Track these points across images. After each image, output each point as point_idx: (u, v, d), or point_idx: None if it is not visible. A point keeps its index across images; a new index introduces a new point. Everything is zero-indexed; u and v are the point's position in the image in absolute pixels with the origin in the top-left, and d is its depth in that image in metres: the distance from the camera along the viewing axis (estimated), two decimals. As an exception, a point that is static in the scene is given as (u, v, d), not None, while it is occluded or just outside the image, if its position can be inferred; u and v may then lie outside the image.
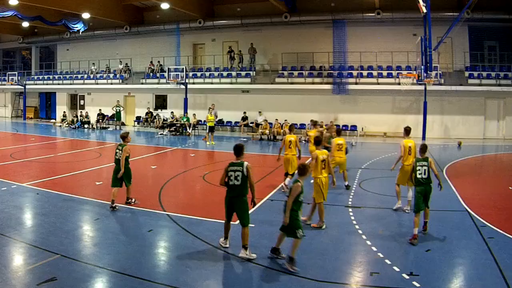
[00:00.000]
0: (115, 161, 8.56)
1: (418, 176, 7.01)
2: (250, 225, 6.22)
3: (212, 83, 26.40)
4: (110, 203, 8.26)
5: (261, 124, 22.93)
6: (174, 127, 24.28)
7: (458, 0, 22.42)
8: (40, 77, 33.38)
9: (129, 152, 8.48)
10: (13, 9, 23.86)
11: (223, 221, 6.47)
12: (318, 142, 7.93)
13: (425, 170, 7.02)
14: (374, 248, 6.35)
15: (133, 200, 8.73)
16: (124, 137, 8.69)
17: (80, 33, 29.15)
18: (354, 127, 23.69)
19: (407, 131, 9.06)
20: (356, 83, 23.34)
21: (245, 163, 6.19)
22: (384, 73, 23.36)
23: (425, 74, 18.97)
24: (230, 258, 6.04)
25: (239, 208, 6.16)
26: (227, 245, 6.37)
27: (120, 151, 8.43)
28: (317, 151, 7.63)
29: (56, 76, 32.41)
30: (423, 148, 7.24)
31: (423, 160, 7.08)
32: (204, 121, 22.26)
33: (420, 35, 19.57)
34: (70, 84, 31.24)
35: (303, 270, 5.57)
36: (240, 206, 6.15)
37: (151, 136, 22.97)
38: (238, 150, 6.30)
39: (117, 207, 8.28)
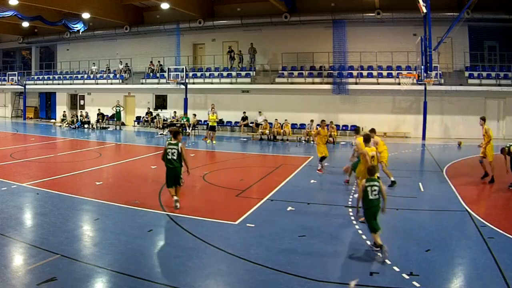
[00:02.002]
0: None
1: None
2: (250, 225, 7.03)
3: (212, 83, 26.41)
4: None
5: (261, 124, 22.93)
6: (174, 127, 24.25)
7: (458, 0, 22.43)
8: (40, 77, 33.37)
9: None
10: (13, 9, 23.85)
11: (223, 221, 6.68)
12: (367, 139, 8.31)
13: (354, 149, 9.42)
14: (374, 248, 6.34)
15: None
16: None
17: (80, 33, 29.16)
18: (354, 127, 23.65)
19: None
20: (356, 83, 23.34)
21: (180, 144, 8.21)
22: (384, 73, 23.36)
23: (425, 74, 18.97)
24: (230, 258, 6.04)
25: (176, 175, 8.23)
26: (178, 203, 8.20)
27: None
28: (367, 148, 8.20)
29: (56, 76, 32.40)
30: (357, 129, 10.40)
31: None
32: (205, 121, 22.32)
33: (420, 35, 19.57)
34: (70, 84, 31.24)
35: (303, 270, 5.57)
36: (177, 174, 8.24)
37: (151, 136, 22.97)
38: (175, 134, 8.33)
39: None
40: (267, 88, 24.83)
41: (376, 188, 6.32)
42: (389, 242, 6.74)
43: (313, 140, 14.77)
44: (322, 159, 12.55)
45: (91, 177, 11.53)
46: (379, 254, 6.06)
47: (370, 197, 6.30)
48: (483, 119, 12.11)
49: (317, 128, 21.31)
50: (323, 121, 13.69)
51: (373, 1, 22.69)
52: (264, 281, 5.30)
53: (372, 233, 6.24)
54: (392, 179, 10.48)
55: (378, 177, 6.51)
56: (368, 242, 6.59)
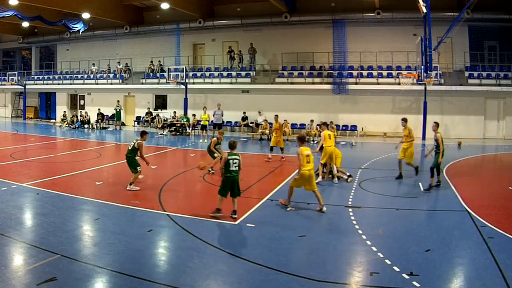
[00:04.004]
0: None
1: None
2: (250, 225, 7.23)
3: (212, 83, 26.41)
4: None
5: (261, 124, 22.92)
6: (174, 127, 24.28)
7: (458, 0, 22.43)
8: (40, 77, 33.39)
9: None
10: (13, 9, 23.85)
11: (223, 221, 7.09)
12: (302, 139, 8.97)
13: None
14: (374, 248, 6.34)
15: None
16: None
17: (80, 33, 29.16)
18: (354, 127, 23.69)
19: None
20: (356, 83, 23.34)
21: (138, 141, 10.10)
22: (384, 73, 23.36)
23: (425, 74, 18.97)
24: (230, 258, 6.04)
25: (129, 164, 10.12)
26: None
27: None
28: (302, 148, 8.59)
29: (56, 76, 32.42)
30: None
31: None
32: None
33: (420, 35, 19.57)
34: (70, 84, 31.25)
35: (303, 270, 5.57)
36: (128, 162, 10.14)
37: (151, 136, 22.95)
38: (141, 133, 10.39)
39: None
40: (267, 88, 24.82)
41: (236, 161, 7.75)
42: (389, 242, 6.76)
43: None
44: (272, 149, 15.10)
45: (91, 177, 11.53)
46: (217, 214, 7.66)
47: (231, 168, 7.68)
48: (405, 120, 12.25)
49: (317, 128, 21.53)
50: (276, 115, 16.12)
51: (373, 1, 22.69)
52: (264, 281, 5.30)
53: (220, 196, 7.77)
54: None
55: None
56: (369, 242, 6.60)
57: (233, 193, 7.77)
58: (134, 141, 10.25)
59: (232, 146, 8.03)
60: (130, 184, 10.00)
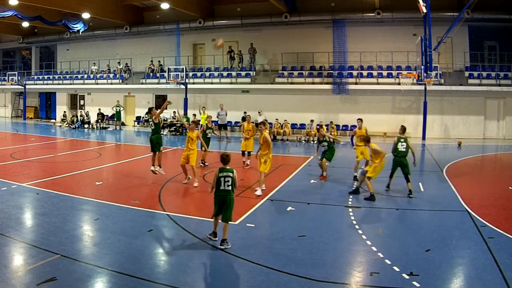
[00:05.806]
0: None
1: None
2: (250, 225, 7.15)
3: (212, 83, 26.41)
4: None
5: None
6: (174, 127, 24.28)
7: (458, 0, 22.44)
8: (40, 77, 33.38)
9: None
10: (13, 9, 23.86)
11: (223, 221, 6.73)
12: (196, 123, 10.81)
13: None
14: (374, 248, 6.34)
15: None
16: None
17: (80, 33, 29.16)
18: (354, 127, 23.58)
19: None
20: (356, 83, 23.34)
21: (150, 115, 11.10)
22: (384, 73, 23.36)
23: (425, 74, 18.97)
24: (230, 258, 6.04)
25: (156, 144, 10.92)
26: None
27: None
28: (192, 132, 10.12)
29: (56, 76, 32.40)
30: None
31: None
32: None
33: (420, 35, 19.59)
34: (70, 84, 31.24)
35: (303, 270, 5.57)
36: (155, 142, 10.97)
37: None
38: (149, 110, 11.39)
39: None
40: (267, 88, 24.82)
41: (229, 178, 6.29)
42: (389, 242, 6.76)
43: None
44: (243, 153, 13.62)
45: (91, 177, 11.53)
46: (212, 238, 6.54)
47: (222, 187, 6.30)
48: (361, 120, 12.03)
49: (316, 128, 21.51)
50: (248, 116, 15.15)
51: (373, 1, 22.70)
52: (264, 281, 5.30)
53: (213, 217, 6.54)
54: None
55: None
56: (369, 242, 6.60)
57: (223, 216, 6.36)
58: (151, 120, 11.25)
59: (224, 160, 6.50)
60: (160, 167, 10.97)
